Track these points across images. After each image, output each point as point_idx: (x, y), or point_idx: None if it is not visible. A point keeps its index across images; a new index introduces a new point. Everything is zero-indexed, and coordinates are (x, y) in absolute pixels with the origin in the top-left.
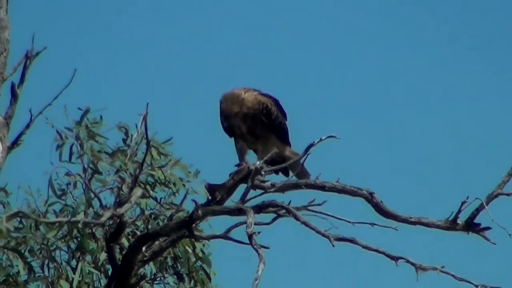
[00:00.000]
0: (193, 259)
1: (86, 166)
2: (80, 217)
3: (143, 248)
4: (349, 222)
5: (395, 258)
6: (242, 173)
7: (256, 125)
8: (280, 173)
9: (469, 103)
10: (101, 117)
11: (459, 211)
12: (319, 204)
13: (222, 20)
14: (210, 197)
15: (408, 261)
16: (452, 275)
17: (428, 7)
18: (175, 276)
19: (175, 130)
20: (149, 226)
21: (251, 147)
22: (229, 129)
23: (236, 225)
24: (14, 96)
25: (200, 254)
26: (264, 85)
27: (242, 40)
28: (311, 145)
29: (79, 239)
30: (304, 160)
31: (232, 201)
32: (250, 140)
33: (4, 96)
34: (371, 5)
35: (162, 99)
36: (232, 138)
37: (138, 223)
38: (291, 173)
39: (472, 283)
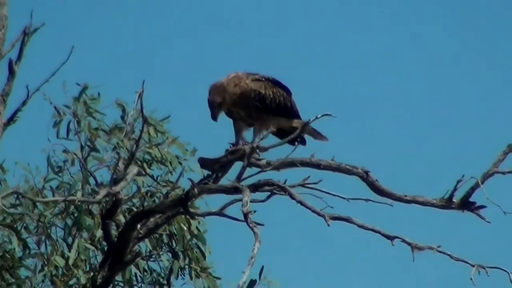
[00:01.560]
0: (188, 236)
1: (83, 143)
2: (78, 194)
3: (138, 226)
4: (344, 198)
5: (391, 238)
6: (237, 153)
7: (252, 110)
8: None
9: (464, 81)
10: (98, 93)
11: (455, 189)
12: (314, 183)
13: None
14: (205, 173)
15: (404, 241)
16: (449, 255)
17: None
18: (170, 254)
19: (174, 108)
20: (145, 203)
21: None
22: (228, 115)
23: (232, 202)
24: (11, 72)
25: (196, 232)
26: (265, 65)
27: (244, 20)
28: (306, 123)
29: (75, 215)
30: (298, 140)
31: (228, 179)
32: (250, 122)
33: (1, 73)
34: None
35: (162, 77)
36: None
37: (134, 200)
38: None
39: (469, 263)
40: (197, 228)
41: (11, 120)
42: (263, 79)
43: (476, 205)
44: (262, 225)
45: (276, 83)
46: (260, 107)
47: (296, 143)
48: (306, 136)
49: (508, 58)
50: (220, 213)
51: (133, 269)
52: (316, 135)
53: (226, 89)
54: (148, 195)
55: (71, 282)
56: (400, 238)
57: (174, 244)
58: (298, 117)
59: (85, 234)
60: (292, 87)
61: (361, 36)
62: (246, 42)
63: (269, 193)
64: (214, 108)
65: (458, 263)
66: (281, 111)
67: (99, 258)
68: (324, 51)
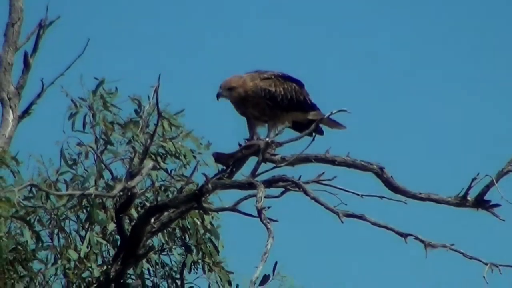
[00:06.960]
0: (202, 231)
1: (98, 137)
2: (91, 187)
3: (152, 220)
4: (358, 194)
5: (404, 235)
6: (252, 148)
7: (264, 108)
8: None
9: (478, 81)
10: (116, 88)
11: (469, 187)
12: (329, 179)
13: None
14: (219, 167)
15: (417, 238)
16: (462, 253)
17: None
18: (183, 248)
19: (188, 101)
20: (159, 198)
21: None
22: (242, 114)
23: (245, 198)
24: (26, 65)
25: (209, 226)
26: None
27: (257, 14)
28: (321, 119)
29: (88, 209)
30: (315, 135)
31: (242, 175)
32: (264, 119)
33: (17, 65)
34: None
35: (176, 70)
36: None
37: (148, 194)
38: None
39: (482, 261)
40: (210, 222)
41: (25, 113)
42: (273, 76)
43: (491, 203)
44: (276, 221)
45: (286, 78)
46: (272, 105)
47: (314, 134)
48: (323, 127)
49: None
50: (233, 208)
51: (145, 263)
52: (333, 124)
53: (245, 82)
54: (162, 190)
55: (84, 275)
56: (413, 236)
57: (187, 238)
58: (314, 108)
59: (97, 228)
60: (306, 81)
61: (376, 32)
62: (257, 38)
63: (283, 189)
64: (225, 90)
65: (471, 261)
66: (294, 106)
67: (111, 252)
68: (339, 46)
